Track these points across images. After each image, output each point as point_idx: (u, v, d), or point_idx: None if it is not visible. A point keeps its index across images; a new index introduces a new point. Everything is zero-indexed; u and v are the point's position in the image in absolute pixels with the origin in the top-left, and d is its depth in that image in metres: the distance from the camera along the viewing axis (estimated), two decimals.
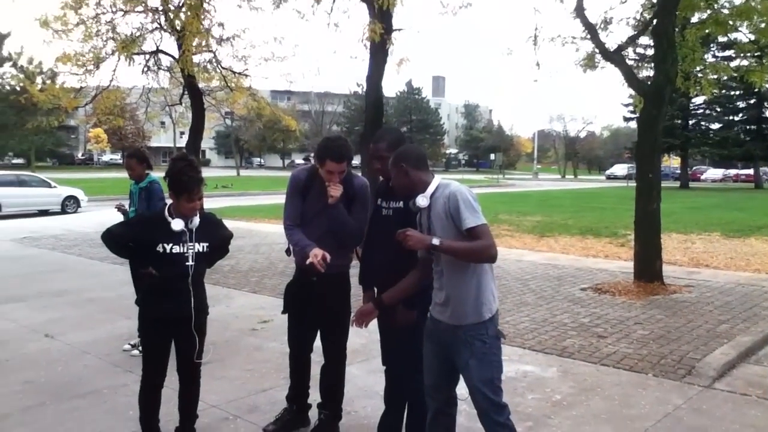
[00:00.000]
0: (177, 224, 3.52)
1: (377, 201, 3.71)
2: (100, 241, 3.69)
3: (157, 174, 5.66)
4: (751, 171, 52.77)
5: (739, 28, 10.01)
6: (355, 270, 3.95)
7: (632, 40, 9.07)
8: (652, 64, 10.54)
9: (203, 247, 3.64)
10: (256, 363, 5.55)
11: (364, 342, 5.42)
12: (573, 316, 7.08)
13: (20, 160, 60.49)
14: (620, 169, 64.90)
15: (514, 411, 3.16)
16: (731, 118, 49.26)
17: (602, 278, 9.31)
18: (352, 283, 4.02)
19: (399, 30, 10.03)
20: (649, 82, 8.84)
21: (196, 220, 3.60)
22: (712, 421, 4.32)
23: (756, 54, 10.74)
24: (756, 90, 43.52)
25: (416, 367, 3.44)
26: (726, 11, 9.68)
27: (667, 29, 8.06)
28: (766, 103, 47.19)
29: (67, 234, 15.13)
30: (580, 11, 8.56)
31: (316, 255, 3.63)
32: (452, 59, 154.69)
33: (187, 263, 3.56)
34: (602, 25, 9.73)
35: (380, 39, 8.52)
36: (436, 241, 2.84)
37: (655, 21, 8.68)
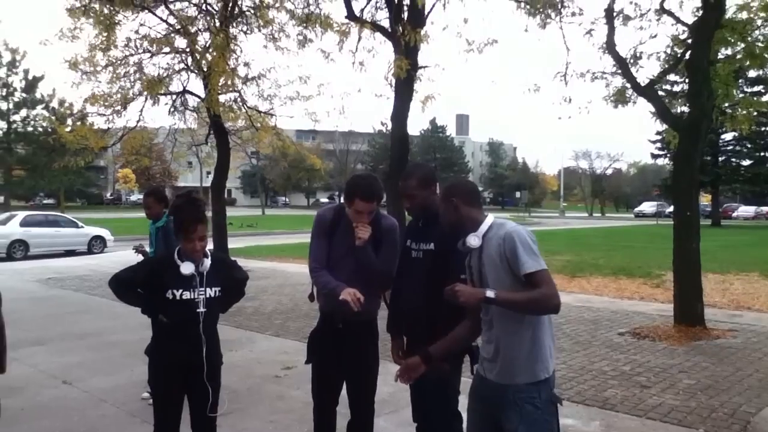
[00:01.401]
0: (186, 268, 3.29)
1: (406, 242, 3.48)
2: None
3: None
4: None
5: None
6: (382, 316, 3.70)
7: (665, 74, 8.86)
8: (681, 100, 10.35)
9: (215, 291, 3.41)
10: (279, 413, 5.27)
11: (391, 391, 5.11)
12: (612, 363, 6.70)
13: (50, 201, 61.53)
14: (649, 206, 64.06)
15: None
16: (762, 154, 48.44)
17: (640, 321, 8.90)
18: (380, 329, 3.76)
19: (424, 67, 9.95)
20: (683, 118, 8.56)
21: (207, 262, 3.37)
22: None
23: None
24: None
25: (451, 426, 3.16)
26: (761, 44, 9.41)
27: (701, 63, 7.82)
28: None
29: (92, 274, 15.08)
30: (611, 46, 8.37)
31: (350, 293, 3.36)
32: (476, 97, 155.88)
33: (197, 310, 3.33)
34: (631, 60, 9.52)
35: (406, 75, 8.40)
36: (491, 294, 2.53)
37: (688, 55, 8.45)
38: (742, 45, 9.59)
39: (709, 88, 7.98)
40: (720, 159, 47.94)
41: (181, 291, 3.31)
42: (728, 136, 45.59)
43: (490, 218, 2.79)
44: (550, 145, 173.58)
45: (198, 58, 12.06)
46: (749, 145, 47.73)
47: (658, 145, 51.32)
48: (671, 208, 53.40)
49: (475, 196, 2.87)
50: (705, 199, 62.50)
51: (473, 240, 2.72)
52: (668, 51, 10.09)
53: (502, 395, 2.68)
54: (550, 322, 2.71)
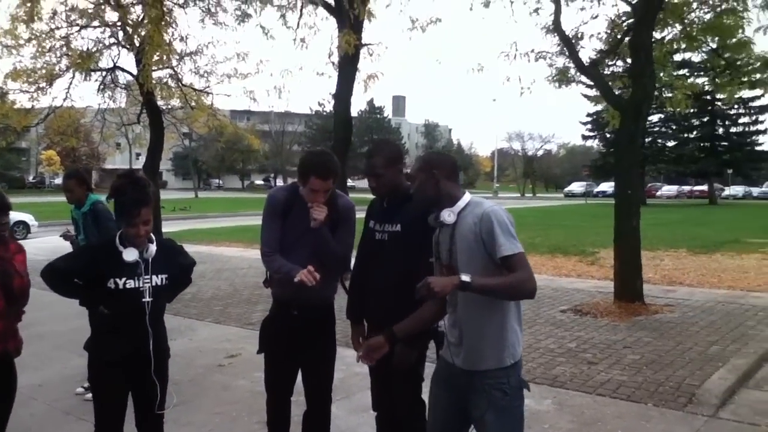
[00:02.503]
0: (129, 254, 3.02)
1: (368, 223, 3.31)
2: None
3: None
4: (704, 187, 54.17)
5: (710, 44, 9.99)
6: (340, 301, 3.55)
7: (608, 54, 8.94)
8: (619, 81, 10.50)
9: (162, 279, 3.15)
10: (225, 405, 5.06)
11: (341, 377, 4.98)
12: (558, 340, 6.76)
13: None
14: (578, 186, 65.85)
15: None
16: (686, 135, 50.51)
17: (580, 299, 9.06)
18: (337, 316, 3.61)
19: (369, 45, 9.74)
20: (623, 98, 8.69)
21: (153, 248, 3.11)
22: None
23: (722, 70, 10.73)
24: (709, 108, 44.99)
25: (417, 415, 3.05)
26: (696, 26, 9.63)
27: (645, 43, 7.92)
28: (719, 121, 48.58)
29: None
30: (557, 25, 8.36)
31: (304, 272, 3.17)
32: (411, 79, 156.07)
33: (143, 299, 3.07)
34: (573, 40, 9.57)
35: (354, 52, 8.19)
36: (466, 278, 2.35)
37: (628, 37, 8.55)
38: (679, 27, 9.80)
39: (652, 68, 8.10)
40: (646, 140, 49.72)
41: (124, 279, 3.05)
42: (654, 118, 47.26)
43: (467, 196, 2.65)
44: (484, 127, 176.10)
45: (130, 32, 11.46)
46: (674, 127, 49.67)
47: (589, 126, 52.83)
48: (599, 188, 55.13)
49: (455, 171, 2.71)
50: None
51: (448, 216, 2.56)
52: (608, 32, 10.19)
53: (469, 381, 2.57)
54: (518, 306, 2.59)
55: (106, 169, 57.48)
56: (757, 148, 49.95)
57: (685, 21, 9.06)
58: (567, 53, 8.85)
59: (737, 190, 61.24)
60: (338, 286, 3.63)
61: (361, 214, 3.48)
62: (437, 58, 73.23)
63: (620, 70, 11.84)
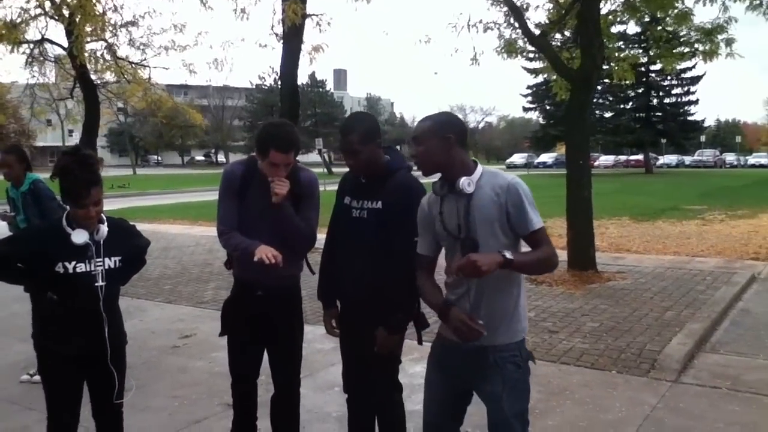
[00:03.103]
0: (78, 236, 2.78)
1: (343, 199, 3.11)
2: None
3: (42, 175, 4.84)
4: (639, 156, 55.80)
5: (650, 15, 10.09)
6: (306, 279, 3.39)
7: (556, 24, 8.91)
8: (568, 52, 10.54)
9: (115, 261, 2.91)
10: (183, 388, 4.85)
11: (303, 354, 4.84)
12: None
13: None
14: (519, 158, 66.73)
15: (483, 426, 2.64)
16: (622, 106, 51.72)
17: None
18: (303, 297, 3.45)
19: (314, 15, 9.44)
20: (573, 69, 8.69)
21: (104, 228, 2.86)
22: (694, 420, 4.07)
23: (664, 41, 10.86)
24: (644, 79, 46.11)
25: (392, 398, 2.96)
26: None
27: (593, 13, 7.92)
28: (653, 92, 49.89)
29: None
30: None
31: (264, 251, 2.98)
32: (352, 53, 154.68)
33: (96, 284, 2.84)
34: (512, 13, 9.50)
35: (300, 22, 7.91)
36: (509, 255, 2.25)
37: (577, 6, 8.53)
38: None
39: (600, 39, 8.11)
40: None
41: (74, 263, 2.80)
42: None
43: (479, 166, 2.50)
44: (426, 100, 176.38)
45: (58, 1, 10.78)
46: (611, 98, 50.77)
47: (530, 98, 53.48)
48: (539, 159, 56.07)
49: (466, 137, 2.54)
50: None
51: (467, 185, 2.38)
52: (553, 3, 10.16)
53: (480, 358, 2.45)
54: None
55: (37, 147, 54.97)
56: (690, 118, 51.62)
57: None
58: (516, 24, 8.77)
59: (671, 159, 63.25)
60: (303, 264, 3.46)
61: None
62: (383, 29, 72.16)
63: (560, 42, 11.89)
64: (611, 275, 8.37)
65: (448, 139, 2.44)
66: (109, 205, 20.23)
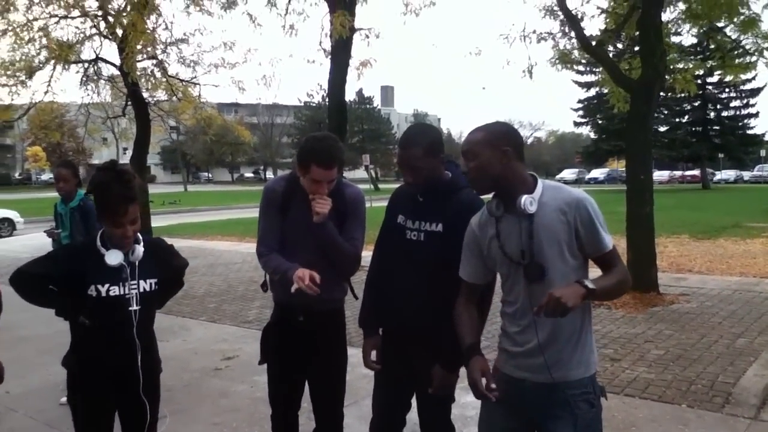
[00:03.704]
0: (113, 257, 2.60)
1: (396, 218, 2.81)
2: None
3: None
4: (695, 171, 54.07)
5: (715, 23, 9.61)
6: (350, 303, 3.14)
7: (614, 33, 8.54)
8: (627, 62, 10.12)
9: (150, 284, 2.73)
10: (224, 413, 4.65)
11: (348, 379, 4.60)
12: None
13: None
14: (569, 173, 65.65)
15: None
16: (678, 120, 50.30)
17: None
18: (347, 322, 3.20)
19: (362, 29, 9.29)
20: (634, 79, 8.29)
21: (139, 249, 2.68)
22: None
23: (730, 50, 10.34)
24: (701, 92, 44.73)
25: None
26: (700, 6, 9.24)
27: (654, 20, 7.53)
28: (710, 105, 48.37)
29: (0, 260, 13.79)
30: (563, 3, 7.93)
31: (302, 277, 2.73)
32: (399, 69, 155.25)
33: (130, 308, 2.65)
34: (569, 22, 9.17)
35: (348, 35, 7.76)
36: (591, 284, 2.00)
37: (636, 14, 8.16)
38: (683, 6, 9.44)
39: (662, 46, 7.71)
40: None
41: (107, 286, 2.62)
42: None
43: (538, 179, 2.23)
44: (473, 116, 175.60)
45: (112, 21, 10.96)
46: (665, 112, 49.40)
47: (581, 113, 52.47)
48: (590, 175, 55.09)
49: (523, 149, 2.26)
50: (620, 165, 64.68)
51: (530, 203, 2.11)
52: (609, 11, 9.79)
53: (549, 396, 2.17)
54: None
55: (92, 164, 56.66)
56: (749, 131, 49.84)
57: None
58: (573, 33, 8.44)
59: (729, 174, 61.18)
60: (348, 287, 3.21)
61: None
62: (432, 42, 71.93)
63: (615, 53, 11.48)
64: (674, 297, 7.88)
65: (506, 152, 2.17)
66: (160, 221, 20.56)
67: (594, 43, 8.40)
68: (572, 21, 8.05)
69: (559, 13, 8.34)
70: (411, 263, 2.69)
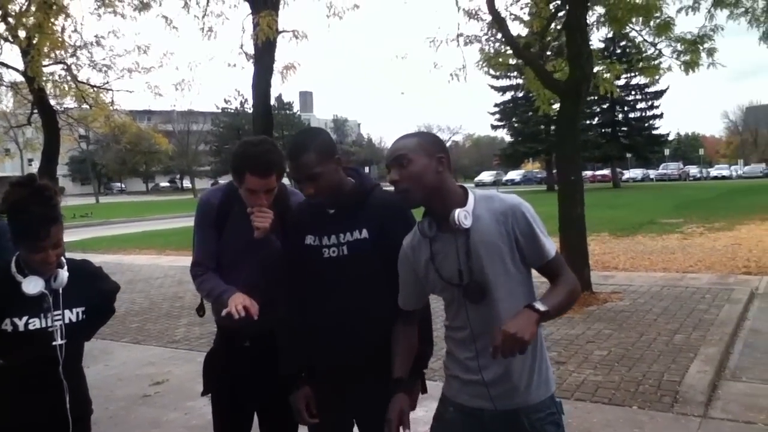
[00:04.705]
0: (31, 285, 2.26)
1: (305, 240, 2.43)
2: None
3: None
4: (605, 171, 56.45)
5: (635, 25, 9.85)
6: None
7: (540, 36, 8.61)
8: (552, 66, 10.24)
9: (77, 314, 2.38)
10: None
11: None
12: None
13: None
14: (487, 176, 67.05)
15: None
16: (588, 122, 52.28)
17: None
18: None
19: (288, 31, 8.98)
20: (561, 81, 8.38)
21: (63, 274, 2.34)
22: None
23: (646, 52, 10.66)
24: (609, 94, 46.67)
25: None
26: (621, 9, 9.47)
27: (580, 23, 7.63)
28: (618, 107, 50.55)
29: None
30: (491, 5, 7.91)
31: (236, 302, 2.43)
32: (317, 75, 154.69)
33: (53, 342, 2.31)
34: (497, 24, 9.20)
35: (274, 37, 7.45)
36: (542, 307, 1.81)
37: (561, 17, 8.25)
38: (602, 10, 9.63)
39: (588, 49, 7.83)
40: (551, 128, 51.09)
41: (26, 318, 2.27)
42: (558, 106, 48.60)
43: (468, 190, 2.04)
44: (393, 121, 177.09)
45: (13, 22, 10.15)
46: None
47: (497, 116, 53.71)
48: (507, 176, 56.65)
49: (450, 161, 2.09)
50: (535, 167, 66.69)
51: (464, 217, 1.92)
52: (532, 13, 9.88)
53: (511, 424, 1.99)
54: None
55: (2, 177, 53.32)
56: (654, 132, 52.45)
57: (610, 2, 8.77)
58: (500, 35, 8.44)
59: (636, 173, 64.21)
60: None
61: None
62: (352, 49, 72.09)
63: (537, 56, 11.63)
64: (607, 296, 8.00)
65: (441, 159, 2.00)
66: (72, 235, 19.40)
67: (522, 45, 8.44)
68: (500, 23, 8.05)
69: (485, 16, 8.33)
70: (334, 286, 2.37)
